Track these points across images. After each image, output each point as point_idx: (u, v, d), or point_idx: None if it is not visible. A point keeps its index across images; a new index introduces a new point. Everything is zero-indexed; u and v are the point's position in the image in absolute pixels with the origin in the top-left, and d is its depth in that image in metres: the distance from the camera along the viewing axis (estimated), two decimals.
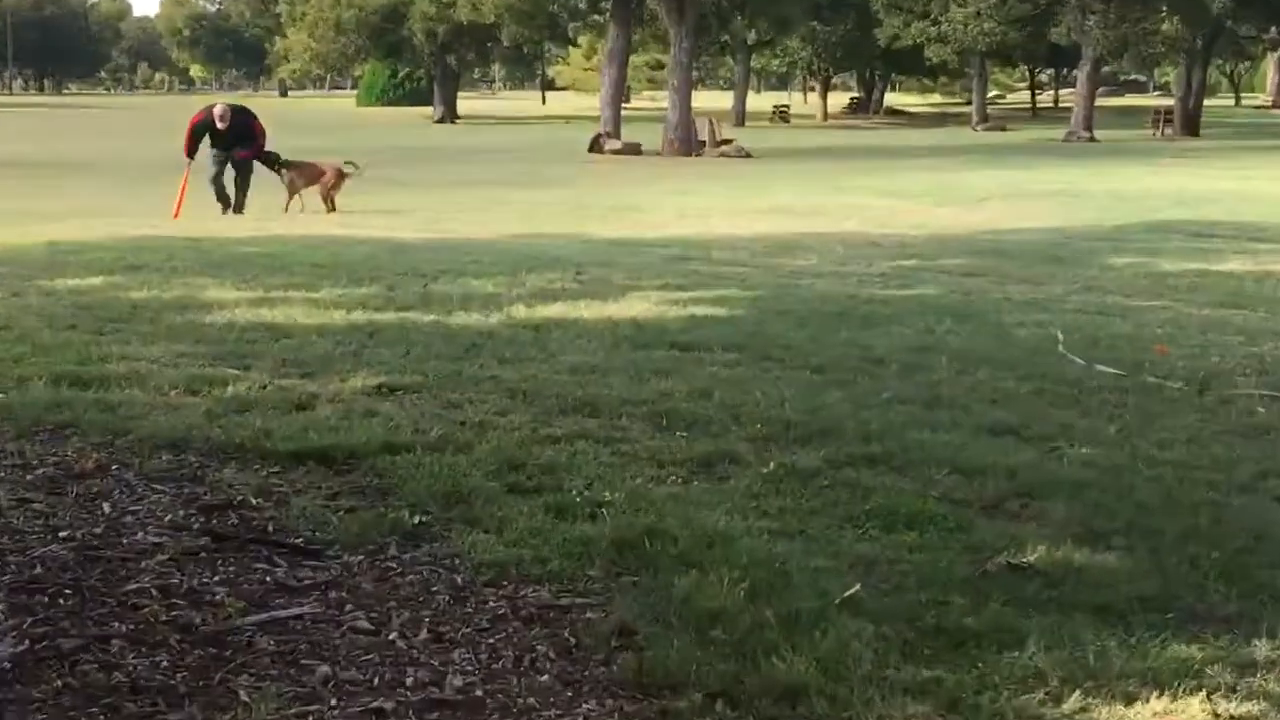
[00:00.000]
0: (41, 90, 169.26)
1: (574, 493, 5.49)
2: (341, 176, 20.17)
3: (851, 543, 5.04)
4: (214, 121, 19.89)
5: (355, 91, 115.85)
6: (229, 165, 19.94)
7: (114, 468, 5.80)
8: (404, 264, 12.83)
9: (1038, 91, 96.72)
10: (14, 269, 12.04)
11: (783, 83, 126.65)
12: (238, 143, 19.95)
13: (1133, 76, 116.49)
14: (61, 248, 13.72)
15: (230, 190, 19.96)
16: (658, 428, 6.64)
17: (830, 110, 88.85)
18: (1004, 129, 67.99)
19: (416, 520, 5.18)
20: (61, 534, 4.96)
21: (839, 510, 5.42)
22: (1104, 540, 5.13)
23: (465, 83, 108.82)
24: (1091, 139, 53.58)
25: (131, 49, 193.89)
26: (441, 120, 78.87)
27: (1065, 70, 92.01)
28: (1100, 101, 67.11)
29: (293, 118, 69.37)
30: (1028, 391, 7.71)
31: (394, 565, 4.77)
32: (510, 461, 5.91)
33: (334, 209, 19.58)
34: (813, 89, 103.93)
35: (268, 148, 20.26)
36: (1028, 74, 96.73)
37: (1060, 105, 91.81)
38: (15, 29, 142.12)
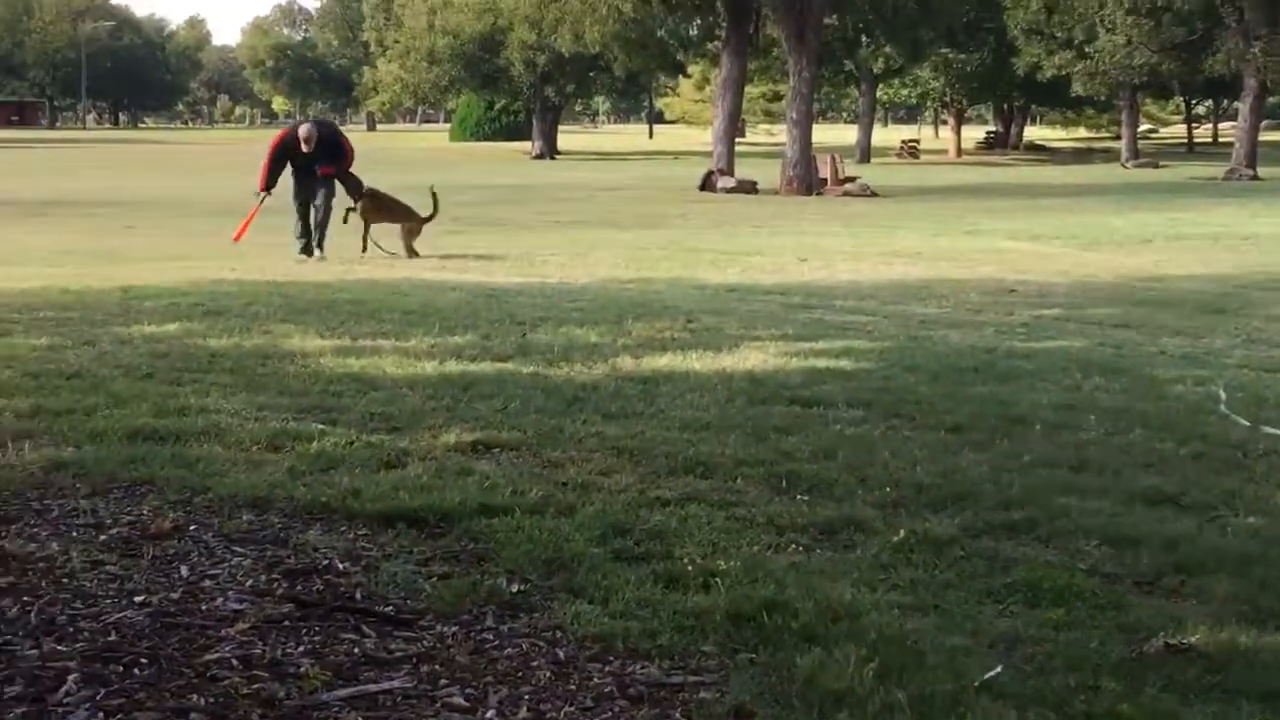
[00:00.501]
0: (116, 124, 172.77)
1: (685, 561, 5.49)
2: (422, 222, 19.78)
3: (991, 619, 4.99)
4: (298, 143, 19.07)
5: (448, 125, 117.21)
6: (312, 188, 19.23)
7: (192, 528, 5.88)
8: (500, 311, 12.93)
9: (1195, 125, 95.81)
10: (86, 314, 12.28)
11: (912, 115, 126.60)
12: (323, 159, 19.22)
13: None
14: (136, 292, 13.98)
15: (311, 222, 19.24)
16: (777, 490, 6.62)
17: (964, 145, 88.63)
18: (1157, 166, 67.37)
19: (515, 589, 5.19)
20: (137, 599, 5.03)
21: (977, 583, 5.37)
22: (1273, 620, 5.04)
23: (566, 116, 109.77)
24: (1255, 177, 52.88)
25: (211, 80, 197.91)
26: (540, 156, 79.59)
27: (1226, 102, 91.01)
28: (1265, 136, 66.30)
29: (376, 153, 70.18)
30: (1186, 455, 7.61)
31: (491, 637, 4.78)
32: (616, 526, 5.92)
33: (415, 254, 19.16)
34: (945, 122, 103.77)
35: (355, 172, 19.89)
36: (1183, 106, 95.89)
37: (1220, 140, 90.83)
38: (90, 59, 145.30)
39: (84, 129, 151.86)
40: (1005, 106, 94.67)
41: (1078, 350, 11.49)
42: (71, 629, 4.72)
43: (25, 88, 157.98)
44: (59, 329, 11.35)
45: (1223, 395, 9.24)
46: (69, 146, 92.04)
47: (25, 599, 4.97)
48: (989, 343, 11.81)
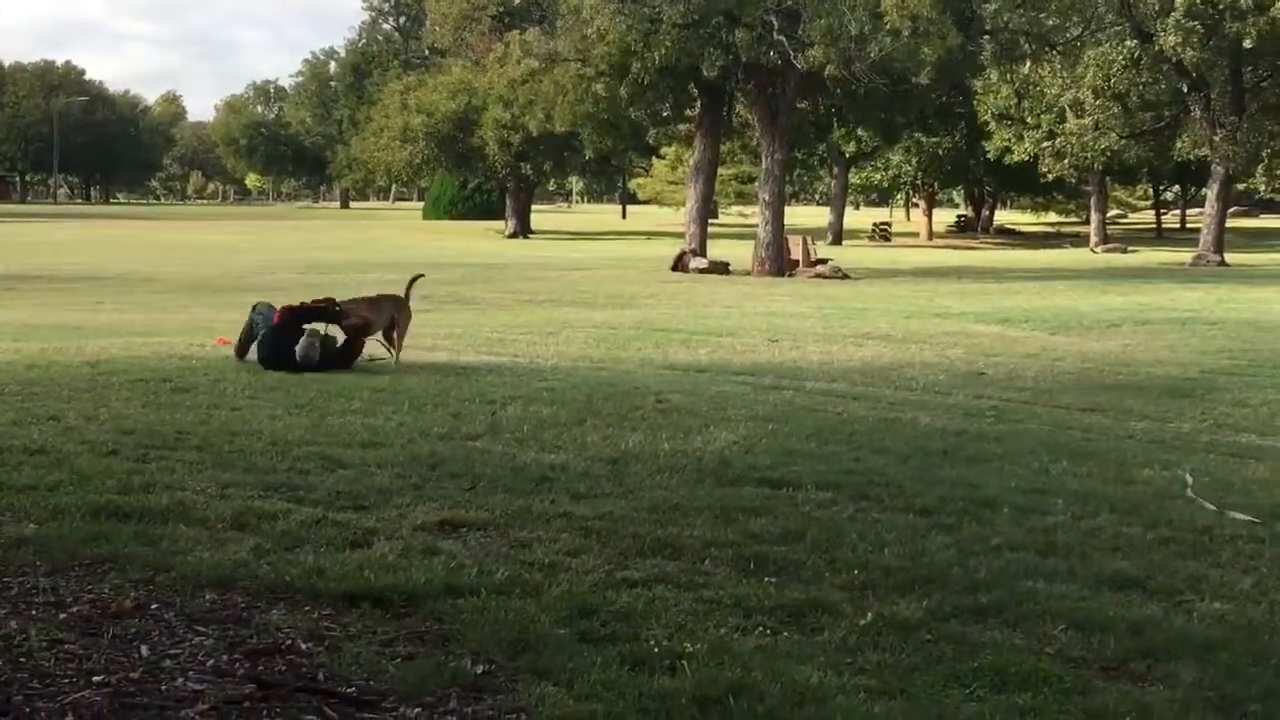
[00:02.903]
0: (88, 199, 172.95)
1: (652, 643, 5.47)
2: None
3: (958, 704, 4.98)
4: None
5: (421, 203, 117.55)
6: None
7: (154, 607, 5.85)
8: (470, 389, 12.92)
9: (1163, 211, 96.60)
10: (52, 389, 12.23)
11: (884, 198, 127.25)
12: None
13: (1269, 196, 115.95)
14: (103, 368, 13.93)
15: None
16: (745, 572, 6.61)
17: (935, 228, 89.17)
18: (1125, 251, 67.84)
19: (480, 670, 5.17)
20: (96, 679, 4.99)
21: (943, 667, 5.36)
22: (1239, 707, 5.04)
23: (540, 195, 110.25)
24: (1222, 263, 53.20)
25: (184, 156, 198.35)
26: (514, 235, 79.79)
27: (1193, 188, 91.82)
28: (1232, 223, 66.80)
29: (349, 231, 70.37)
30: (1153, 539, 7.63)
31: (455, 719, 4.75)
32: (583, 607, 5.90)
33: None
34: (916, 205, 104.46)
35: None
36: (1151, 191, 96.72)
37: (1188, 226, 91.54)
38: (63, 134, 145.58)
39: (55, 203, 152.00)
40: (976, 190, 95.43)
41: (1046, 434, 11.52)
42: (28, 709, 4.68)
43: None
44: (24, 404, 11.30)
45: (1189, 480, 9.28)
46: (39, 221, 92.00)
47: None
48: (958, 425, 11.83)
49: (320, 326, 14.90)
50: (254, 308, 15.52)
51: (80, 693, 4.84)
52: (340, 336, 15.26)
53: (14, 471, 8.35)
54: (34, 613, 5.73)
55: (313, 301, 15.66)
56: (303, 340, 14.35)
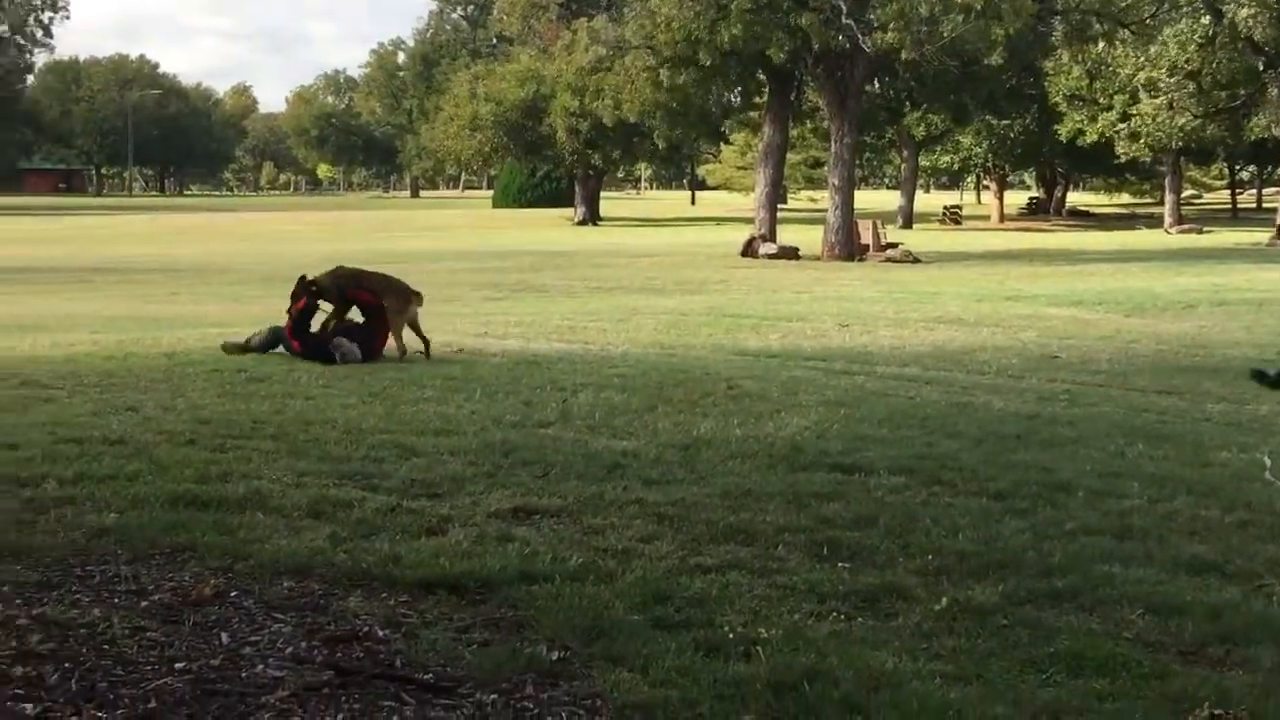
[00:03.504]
0: (162, 191, 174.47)
1: (726, 629, 5.47)
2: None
3: (1034, 689, 4.96)
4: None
5: (491, 191, 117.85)
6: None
7: (233, 594, 5.90)
8: (541, 377, 12.95)
9: (1238, 190, 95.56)
10: (130, 380, 12.35)
11: (954, 181, 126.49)
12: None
13: None
14: (180, 359, 14.06)
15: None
16: (818, 558, 6.61)
17: (1006, 211, 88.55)
18: (1201, 231, 67.12)
19: (555, 656, 5.19)
20: (177, 665, 5.05)
21: (1019, 652, 5.34)
22: None
23: (609, 182, 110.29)
24: None
25: (256, 148, 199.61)
26: (583, 222, 79.83)
27: (1270, 167, 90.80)
28: None
29: (419, 220, 70.68)
30: (1231, 523, 7.56)
31: (531, 705, 4.78)
32: (656, 593, 5.91)
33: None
34: (987, 188, 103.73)
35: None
36: (1227, 171, 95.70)
37: (1264, 205, 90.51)
38: (136, 127, 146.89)
39: (130, 196, 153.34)
40: (1047, 172, 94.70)
41: (1121, 417, 11.43)
42: (112, 696, 4.73)
43: (73, 155, 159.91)
44: (103, 395, 11.42)
45: (1268, 462, 9.18)
46: (115, 213, 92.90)
47: (66, 665, 4.99)
48: (1031, 409, 11.76)
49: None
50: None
51: (163, 679, 4.90)
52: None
53: (94, 462, 8.44)
54: (117, 600, 5.80)
55: (292, 305, 14.62)
56: (337, 352, 14.09)
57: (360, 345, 14.34)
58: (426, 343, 14.94)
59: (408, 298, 14.98)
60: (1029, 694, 4.90)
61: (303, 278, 14.78)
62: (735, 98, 54.76)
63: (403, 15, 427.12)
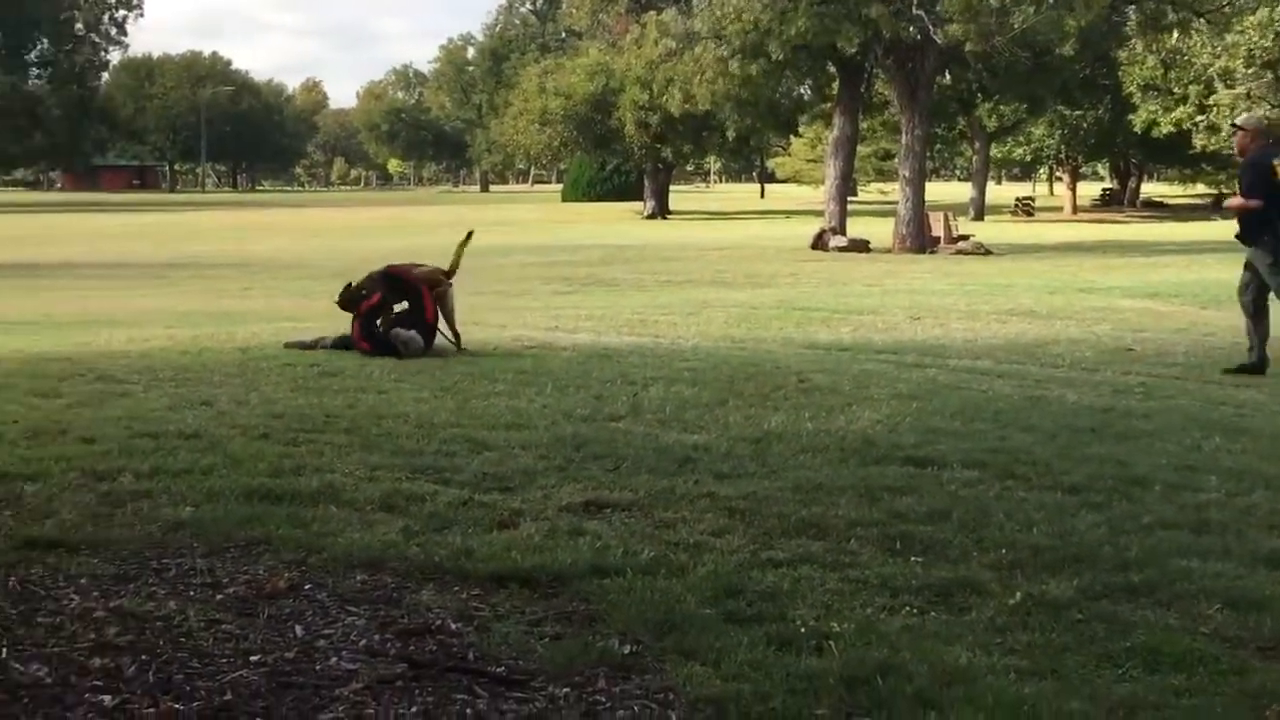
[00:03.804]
0: (234, 187, 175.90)
1: (798, 623, 5.46)
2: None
3: (1110, 685, 4.92)
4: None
5: (560, 185, 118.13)
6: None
7: (307, 587, 5.94)
8: (612, 371, 12.96)
9: None
10: (204, 375, 12.45)
11: (1026, 173, 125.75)
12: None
13: None
14: (253, 353, 14.17)
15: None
16: (890, 552, 6.58)
17: (1079, 202, 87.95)
18: None
19: (627, 650, 5.19)
20: (253, 658, 5.09)
21: (1095, 647, 5.30)
22: None
23: (678, 176, 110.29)
24: None
25: (327, 143, 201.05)
26: (652, 216, 79.94)
27: None
28: None
29: (489, 215, 70.80)
30: None
31: (603, 699, 4.78)
32: (728, 587, 5.91)
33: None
34: (1059, 179, 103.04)
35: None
36: None
37: None
38: (209, 124, 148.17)
39: (203, 192, 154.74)
40: (1121, 163, 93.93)
41: (1198, 410, 11.33)
42: (188, 688, 4.78)
43: (146, 152, 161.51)
44: (178, 389, 11.52)
45: None
46: (188, 210, 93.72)
47: (143, 658, 5.03)
48: (1106, 402, 11.67)
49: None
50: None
51: (238, 672, 4.93)
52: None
53: (170, 456, 8.51)
54: (192, 593, 5.85)
55: (355, 309, 14.70)
56: (399, 343, 14.17)
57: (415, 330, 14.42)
58: (457, 335, 14.85)
59: (437, 279, 14.98)
60: (1105, 689, 4.87)
61: (348, 285, 14.99)
62: (806, 90, 54.66)
63: (473, 10, 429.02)
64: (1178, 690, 4.86)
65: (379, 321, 14.56)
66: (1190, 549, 6.67)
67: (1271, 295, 14.08)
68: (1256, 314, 14.03)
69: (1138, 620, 5.60)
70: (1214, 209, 67.18)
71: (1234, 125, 15.20)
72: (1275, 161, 13.58)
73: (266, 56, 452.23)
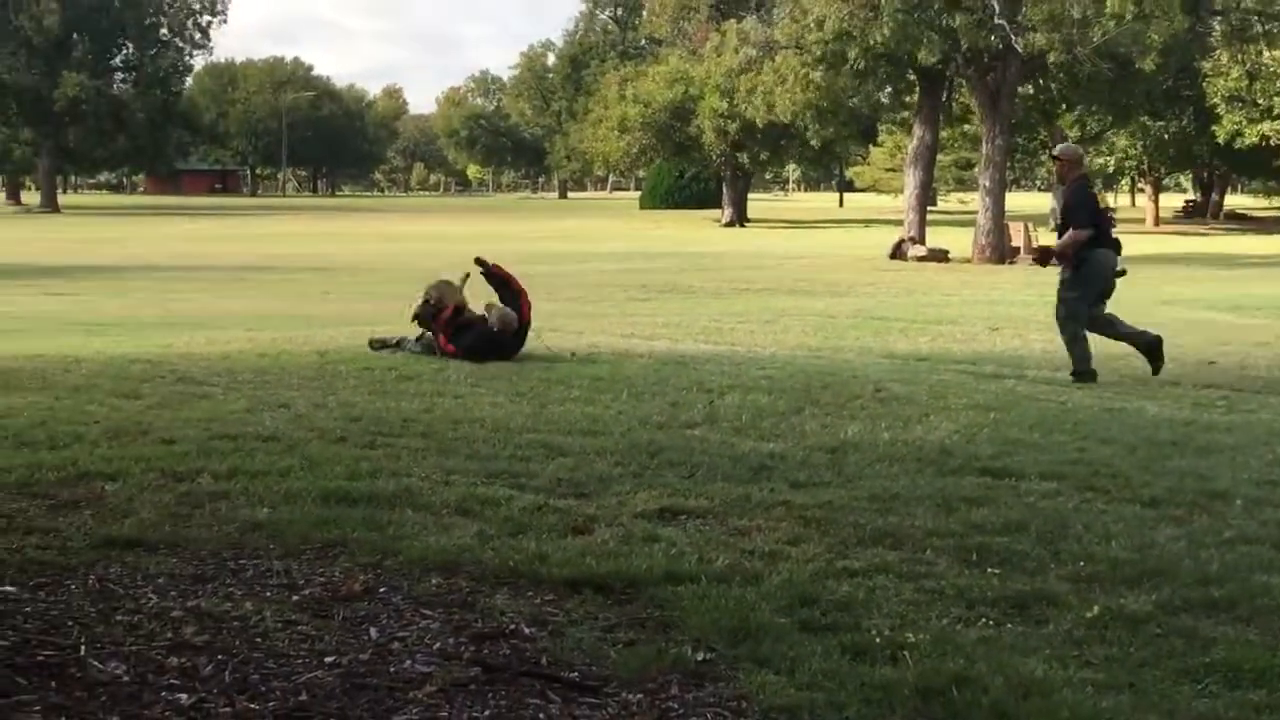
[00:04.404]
0: (315, 191, 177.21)
1: (873, 632, 5.43)
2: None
3: (1189, 700, 4.86)
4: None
5: (638, 192, 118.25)
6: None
7: (382, 590, 5.97)
8: (688, 378, 12.96)
9: None
10: (283, 378, 12.55)
11: (1108, 183, 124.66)
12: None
13: None
14: (331, 356, 14.26)
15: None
16: (966, 563, 6.54)
17: (1162, 214, 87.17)
18: None
19: (701, 657, 5.18)
20: (328, 659, 5.11)
21: (1174, 662, 5.24)
22: None
23: (757, 184, 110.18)
24: None
25: (407, 149, 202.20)
26: (730, 224, 79.91)
27: None
28: None
29: (568, 223, 70.82)
30: None
31: (676, 706, 4.77)
32: (803, 596, 5.88)
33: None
34: (1142, 190, 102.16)
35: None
36: None
37: None
38: (290, 129, 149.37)
39: (284, 196, 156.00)
40: (1205, 175, 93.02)
41: None
42: (264, 688, 4.81)
43: (229, 156, 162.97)
44: (256, 392, 11.62)
45: None
46: (269, 214, 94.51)
47: (220, 657, 5.07)
48: (1187, 415, 11.56)
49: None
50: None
51: (313, 673, 4.96)
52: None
53: (248, 457, 8.58)
54: (268, 594, 5.89)
55: (434, 319, 14.81)
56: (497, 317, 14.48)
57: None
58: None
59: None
60: (1183, 704, 4.81)
61: (425, 300, 15.02)
62: (885, 98, 54.50)
63: (555, 14, 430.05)
64: (1257, 706, 4.80)
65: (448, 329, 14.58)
66: (1272, 564, 6.59)
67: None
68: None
69: (1217, 636, 5.54)
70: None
71: (1052, 156, 15.98)
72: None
73: (349, 62, 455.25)
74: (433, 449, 9.10)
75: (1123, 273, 14.68)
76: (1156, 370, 14.11)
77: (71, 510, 7.22)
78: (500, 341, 14.29)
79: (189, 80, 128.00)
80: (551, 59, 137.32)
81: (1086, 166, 15.74)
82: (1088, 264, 14.32)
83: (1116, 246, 14.66)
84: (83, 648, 5.15)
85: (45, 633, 5.30)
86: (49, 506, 7.30)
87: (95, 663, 5.00)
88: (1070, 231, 14.34)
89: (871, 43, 39.55)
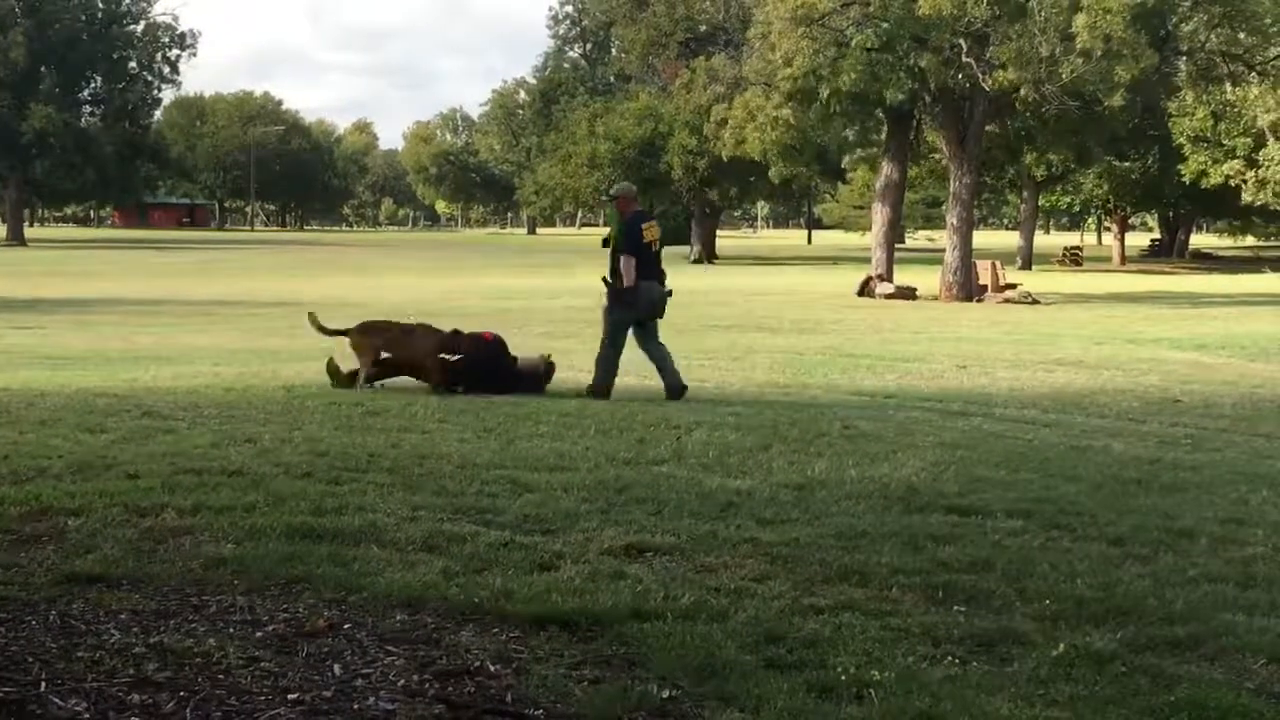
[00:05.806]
0: (283, 225, 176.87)
1: (839, 670, 5.43)
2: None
3: None
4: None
5: (607, 229, 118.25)
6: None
7: (346, 626, 5.94)
8: (655, 415, 12.96)
9: None
10: (249, 412, 12.51)
11: (1074, 222, 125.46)
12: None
13: None
14: (298, 392, 14.23)
15: None
16: (933, 601, 6.54)
17: (1128, 253, 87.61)
18: None
19: (666, 695, 5.17)
20: (290, 696, 5.09)
21: (1139, 701, 5.25)
22: None
23: (725, 221, 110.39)
24: None
25: (376, 184, 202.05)
26: (698, 260, 79.96)
27: None
28: None
29: (536, 258, 70.64)
30: None
31: None
32: (769, 633, 5.88)
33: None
34: (1108, 229, 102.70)
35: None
36: None
37: None
38: (259, 163, 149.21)
39: (252, 230, 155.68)
40: (1170, 214, 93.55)
41: (1245, 463, 11.25)
42: None
43: (196, 190, 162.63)
44: (222, 426, 11.57)
45: None
46: (237, 248, 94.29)
47: (182, 694, 5.04)
48: (1153, 453, 11.60)
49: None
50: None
51: (276, 710, 4.93)
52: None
53: (213, 492, 8.54)
54: (232, 631, 5.86)
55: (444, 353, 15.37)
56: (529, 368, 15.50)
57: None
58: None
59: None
60: None
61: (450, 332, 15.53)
62: (852, 135, 54.69)
63: (529, 50, 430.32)
64: None
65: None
66: (1236, 603, 6.61)
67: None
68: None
69: (1182, 674, 5.55)
70: (1264, 262, 66.73)
71: (608, 196, 17.79)
72: (644, 225, 16.53)
73: (321, 95, 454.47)
74: (399, 484, 9.07)
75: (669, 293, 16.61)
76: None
77: (33, 545, 7.17)
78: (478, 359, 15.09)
79: (158, 114, 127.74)
80: (523, 95, 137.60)
81: (639, 203, 17.42)
82: (631, 292, 15.80)
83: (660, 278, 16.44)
84: (43, 684, 5.11)
85: (5, 669, 5.26)
86: (11, 541, 7.25)
87: (56, 700, 4.96)
88: (623, 259, 15.88)
89: (839, 84, 39.70)
